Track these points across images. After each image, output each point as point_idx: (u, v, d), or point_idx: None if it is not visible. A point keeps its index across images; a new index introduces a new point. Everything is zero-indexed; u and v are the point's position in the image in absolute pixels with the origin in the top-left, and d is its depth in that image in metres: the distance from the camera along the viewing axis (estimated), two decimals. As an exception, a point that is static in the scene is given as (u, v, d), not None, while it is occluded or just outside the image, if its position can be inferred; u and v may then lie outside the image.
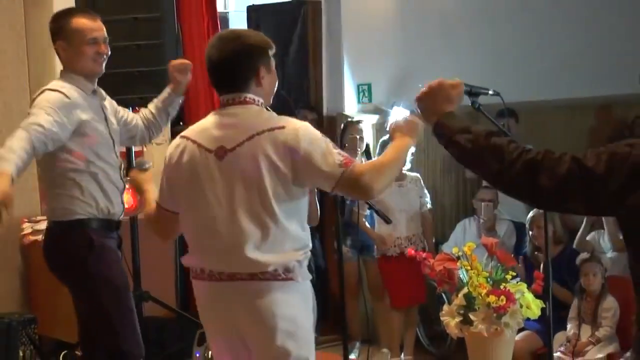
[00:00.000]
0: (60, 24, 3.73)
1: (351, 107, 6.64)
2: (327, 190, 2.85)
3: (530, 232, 5.29)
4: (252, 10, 7.26)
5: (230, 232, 2.80)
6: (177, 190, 2.92)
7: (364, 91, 6.69)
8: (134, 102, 4.37)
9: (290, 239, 2.82)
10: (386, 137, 5.99)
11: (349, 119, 6.25)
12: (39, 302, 5.58)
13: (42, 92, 3.63)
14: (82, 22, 3.70)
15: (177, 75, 3.91)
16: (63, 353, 5.10)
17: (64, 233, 3.63)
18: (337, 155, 2.78)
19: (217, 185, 2.82)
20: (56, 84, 3.67)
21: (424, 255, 4.11)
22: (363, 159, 6.03)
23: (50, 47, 5.67)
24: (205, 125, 2.91)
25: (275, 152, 2.76)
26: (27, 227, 5.46)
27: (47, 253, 3.74)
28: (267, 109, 2.95)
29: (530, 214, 5.36)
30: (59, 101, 3.54)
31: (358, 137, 5.89)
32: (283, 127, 2.79)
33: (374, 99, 6.69)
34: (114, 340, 3.59)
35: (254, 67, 2.87)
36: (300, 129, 2.80)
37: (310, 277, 2.92)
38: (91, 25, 3.71)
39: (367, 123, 6.46)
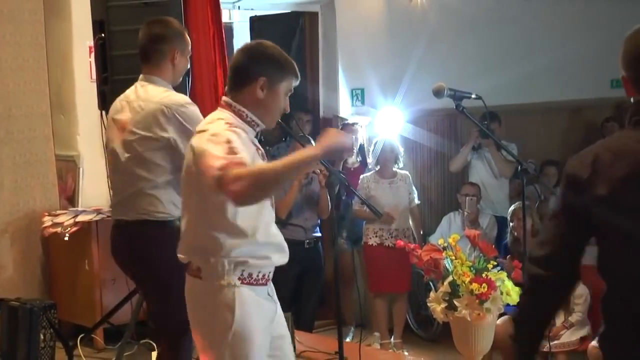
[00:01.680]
0: (180, 32, 3.65)
1: (345, 109, 6.63)
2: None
3: (511, 224, 5.27)
4: (254, 20, 7.25)
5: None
6: None
7: (358, 95, 6.68)
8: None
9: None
10: (379, 137, 5.99)
11: (345, 121, 6.24)
12: (59, 289, 5.57)
13: (185, 105, 3.47)
14: (188, 37, 3.68)
15: None
16: (81, 336, 5.09)
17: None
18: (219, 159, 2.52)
19: None
20: (177, 93, 3.58)
21: (412, 246, 4.09)
22: (358, 158, 6.04)
23: (68, 55, 5.72)
24: None
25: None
26: (47, 220, 5.44)
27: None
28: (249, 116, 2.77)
29: (512, 207, 5.37)
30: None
31: (353, 137, 5.87)
32: (205, 130, 2.67)
33: (366, 102, 6.68)
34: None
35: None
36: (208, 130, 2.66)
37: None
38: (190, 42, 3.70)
39: (360, 124, 6.45)
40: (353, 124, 6.13)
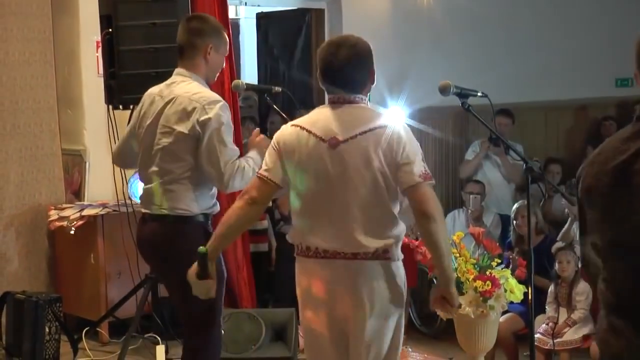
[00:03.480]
0: (216, 28, 3.61)
1: (351, 106, 6.60)
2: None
3: (515, 222, 5.26)
4: (261, 17, 7.24)
5: (339, 218, 2.82)
6: (290, 168, 2.90)
7: (363, 92, 6.65)
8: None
9: (394, 224, 2.87)
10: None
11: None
12: (64, 282, 5.57)
13: (218, 103, 3.45)
14: (225, 37, 3.64)
15: None
16: (86, 329, 5.09)
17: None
18: (419, 165, 2.83)
19: (329, 172, 2.82)
20: (210, 91, 3.54)
21: (416, 243, 4.09)
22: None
23: (75, 50, 5.71)
24: (318, 118, 2.93)
25: (380, 147, 2.80)
26: (53, 214, 5.44)
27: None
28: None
29: (515, 205, 5.34)
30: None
31: None
32: (388, 126, 2.83)
33: (372, 99, 6.65)
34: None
35: (368, 71, 2.93)
36: (406, 130, 2.86)
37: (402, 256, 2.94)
38: (227, 42, 3.67)
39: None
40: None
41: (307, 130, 2.88)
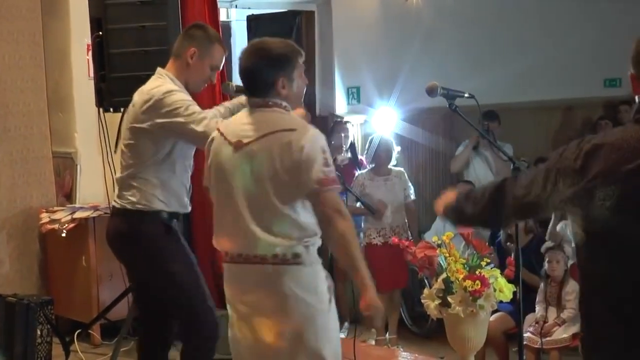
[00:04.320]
0: (212, 39, 3.61)
1: (341, 107, 6.63)
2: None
3: (504, 222, 5.27)
4: (251, 19, 7.24)
5: (241, 218, 2.79)
6: (209, 175, 2.94)
7: (353, 93, 6.68)
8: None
9: (296, 226, 2.79)
10: (375, 134, 6.00)
11: (337, 119, 6.24)
12: (56, 285, 5.57)
13: (172, 93, 3.44)
14: (220, 50, 3.63)
15: None
16: (77, 332, 5.08)
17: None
18: (318, 171, 2.74)
19: (232, 174, 2.82)
20: (172, 85, 3.51)
21: (406, 243, 4.09)
22: (348, 155, 6.04)
23: (66, 53, 5.71)
24: (233, 121, 2.95)
25: (279, 151, 2.75)
26: (44, 217, 5.44)
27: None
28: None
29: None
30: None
31: (343, 135, 5.91)
32: (293, 129, 2.77)
33: (362, 101, 6.68)
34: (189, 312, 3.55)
35: (273, 76, 2.83)
36: (313, 134, 2.79)
37: (320, 260, 2.86)
38: (222, 56, 3.66)
39: (356, 122, 6.45)
40: (345, 122, 6.13)
41: (222, 134, 2.89)
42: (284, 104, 2.86)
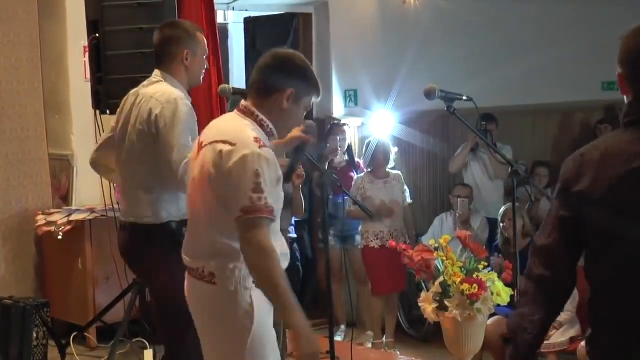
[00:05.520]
0: (192, 33, 3.60)
1: (338, 110, 6.64)
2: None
3: (502, 225, 5.28)
4: (248, 22, 7.25)
5: (191, 227, 2.74)
6: None
7: (351, 96, 6.68)
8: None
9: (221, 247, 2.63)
10: (371, 137, 5.99)
11: (334, 121, 6.24)
12: (52, 287, 5.56)
13: (176, 104, 3.40)
14: (202, 37, 3.63)
15: None
16: (74, 335, 5.08)
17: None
18: (252, 199, 2.49)
19: (190, 179, 2.76)
20: (178, 93, 3.47)
21: (403, 246, 4.09)
22: (345, 158, 6.04)
23: (62, 55, 5.71)
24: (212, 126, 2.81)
25: (212, 162, 2.59)
26: (41, 219, 5.43)
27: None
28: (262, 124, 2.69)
29: (503, 208, 5.35)
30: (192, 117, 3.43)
31: (340, 137, 5.90)
32: (233, 144, 2.55)
33: (359, 103, 6.69)
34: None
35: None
36: (246, 154, 2.52)
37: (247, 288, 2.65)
38: (204, 40, 3.65)
39: (353, 125, 6.45)
40: (342, 125, 6.13)
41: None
42: (261, 116, 2.67)
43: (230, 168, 2.52)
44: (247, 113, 2.70)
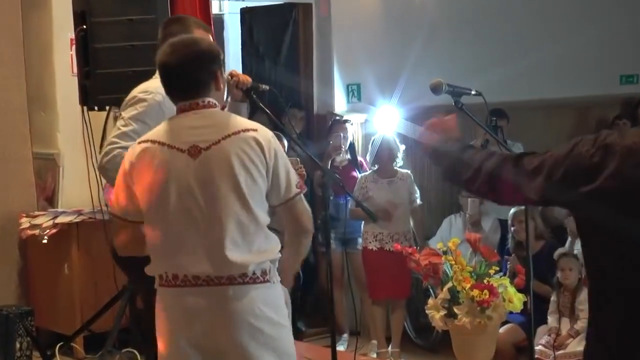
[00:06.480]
0: (184, 30, 3.54)
1: (340, 105, 6.63)
2: (270, 204, 2.78)
3: (512, 228, 5.28)
4: (245, 12, 7.25)
5: (210, 233, 2.68)
6: (143, 195, 2.72)
7: (354, 91, 6.67)
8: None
9: (268, 237, 2.76)
10: (376, 135, 5.98)
11: (336, 117, 6.24)
12: (37, 295, 5.56)
13: (150, 92, 3.47)
14: (200, 31, 3.57)
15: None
16: (59, 345, 5.07)
17: None
18: (295, 175, 2.83)
19: (193, 185, 2.68)
20: (155, 85, 3.45)
21: (409, 250, 4.09)
22: (347, 156, 6.04)
23: (48, 48, 5.70)
24: (170, 128, 2.76)
25: (251, 151, 2.70)
26: (25, 222, 5.43)
27: None
28: None
29: (512, 209, 5.34)
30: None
31: (342, 135, 5.89)
32: (255, 130, 2.74)
33: (363, 98, 6.68)
34: None
35: (212, 71, 2.80)
36: (271, 136, 2.78)
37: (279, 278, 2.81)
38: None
39: (356, 121, 6.44)
40: (344, 121, 6.12)
41: (159, 143, 2.71)
42: (217, 105, 2.82)
43: (277, 152, 2.74)
44: (199, 107, 2.79)
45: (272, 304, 2.74)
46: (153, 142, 2.73)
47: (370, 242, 5.73)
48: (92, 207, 4.89)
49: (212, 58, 2.80)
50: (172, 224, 2.70)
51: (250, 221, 2.70)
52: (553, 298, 4.92)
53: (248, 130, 2.72)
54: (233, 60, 7.74)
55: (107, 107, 4.63)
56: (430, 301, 3.78)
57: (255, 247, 2.70)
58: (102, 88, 4.36)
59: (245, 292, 2.68)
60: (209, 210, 2.68)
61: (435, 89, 3.42)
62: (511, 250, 5.26)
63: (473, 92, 3.55)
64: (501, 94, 5.96)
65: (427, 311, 3.80)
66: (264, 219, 2.74)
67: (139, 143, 2.77)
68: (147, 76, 4.06)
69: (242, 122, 2.80)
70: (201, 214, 2.68)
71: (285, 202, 2.78)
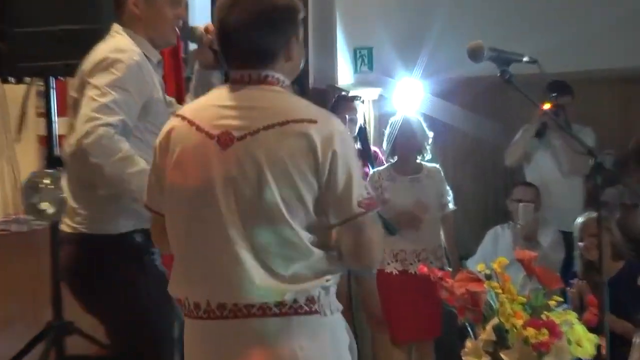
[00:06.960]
0: None
1: (345, 77, 6.62)
2: (328, 222, 2.77)
3: (581, 243, 5.26)
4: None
5: (229, 249, 2.70)
6: (166, 187, 2.81)
7: (363, 57, 6.69)
8: (58, 71, 4.37)
9: (315, 260, 2.77)
10: (395, 116, 5.93)
11: (342, 94, 6.20)
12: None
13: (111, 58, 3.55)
14: None
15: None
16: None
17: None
18: (364, 188, 2.78)
19: (215, 184, 2.70)
20: (126, 43, 3.62)
21: (440, 274, 4.04)
22: (357, 145, 5.99)
23: None
24: (207, 103, 2.82)
25: (297, 151, 2.68)
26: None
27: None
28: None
29: (580, 219, 5.35)
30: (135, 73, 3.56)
31: (348, 117, 5.88)
32: (315, 122, 2.69)
33: (375, 68, 6.66)
34: None
35: (286, 36, 2.79)
36: (337, 131, 2.72)
37: (341, 307, 2.89)
38: None
39: (367, 97, 6.41)
40: (352, 98, 6.08)
41: (189, 122, 2.77)
42: (285, 81, 2.82)
43: (339, 155, 2.71)
44: (252, 81, 2.80)
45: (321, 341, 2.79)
46: (183, 118, 2.78)
47: (388, 263, 5.68)
48: (7, 216, 4.85)
49: (289, 17, 2.78)
50: (185, 235, 2.77)
51: (284, 239, 2.70)
52: (637, 340, 4.86)
53: (302, 121, 2.68)
54: (199, 14, 7.75)
55: (28, 79, 4.61)
56: (469, 344, 3.74)
57: (294, 269, 2.73)
58: (22, 53, 4.38)
59: (284, 325, 2.74)
60: (232, 219, 2.70)
61: (475, 53, 3.41)
62: (579, 273, 5.24)
63: (525, 59, 3.55)
64: (560, 62, 6.03)
65: (463, 357, 3.75)
66: (306, 236, 2.73)
67: (174, 117, 2.84)
68: (84, 37, 4.05)
69: (300, 109, 2.75)
70: (221, 226, 2.70)
71: (342, 222, 2.76)
